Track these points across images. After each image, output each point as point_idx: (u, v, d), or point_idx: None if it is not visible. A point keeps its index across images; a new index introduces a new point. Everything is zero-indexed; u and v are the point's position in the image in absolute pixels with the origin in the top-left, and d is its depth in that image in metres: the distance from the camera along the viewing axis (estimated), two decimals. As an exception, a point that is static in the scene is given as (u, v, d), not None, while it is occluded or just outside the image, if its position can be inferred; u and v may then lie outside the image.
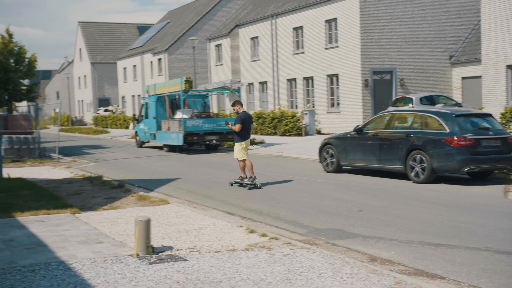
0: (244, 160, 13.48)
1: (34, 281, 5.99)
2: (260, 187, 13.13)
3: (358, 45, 27.72)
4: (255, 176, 13.40)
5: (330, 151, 15.44)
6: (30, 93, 30.59)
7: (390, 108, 22.76)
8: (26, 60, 29.00)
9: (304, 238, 8.14)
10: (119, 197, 12.04)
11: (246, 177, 13.42)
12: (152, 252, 7.25)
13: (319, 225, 9.04)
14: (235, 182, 13.69)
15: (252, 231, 8.42)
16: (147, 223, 7.24)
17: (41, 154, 23.55)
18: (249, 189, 13.07)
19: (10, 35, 28.69)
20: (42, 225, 9.07)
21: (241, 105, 13.96)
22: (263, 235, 8.15)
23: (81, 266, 6.58)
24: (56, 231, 8.62)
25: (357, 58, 27.87)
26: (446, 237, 7.93)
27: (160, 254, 7.22)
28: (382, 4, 28.05)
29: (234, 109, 13.93)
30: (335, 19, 29.46)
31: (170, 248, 7.53)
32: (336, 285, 5.74)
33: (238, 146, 13.54)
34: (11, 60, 28.73)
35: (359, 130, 14.70)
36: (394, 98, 27.70)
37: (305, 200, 11.28)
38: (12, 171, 17.35)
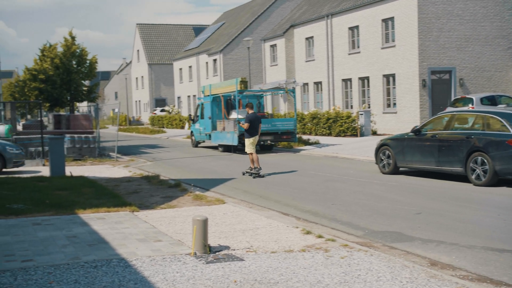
0: (251, 154, 15.71)
1: (97, 276, 6.17)
2: (263, 176, 15.25)
3: (416, 44, 27.15)
4: (260, 167, 15.69)
5: (387, 152, 15.19)
6: (91, 94, 31.57)
7: (449, 109, 22.19)
8: (87, 61, 29.94)
9: (361, 240, 8.03)
10: (176, 196, 12.23)
11: (256, 168, 15.59)
12: (209, 251, 7.32)
13: (376, 227, 8.91)
14: (246, 172, 15.89)
15: (308, 232, 8.38)
16: (205, 223, 7.32)
17: (101, 153, 24.22)
18: (254, 177, 15.26)
19: (73, 38, 29.67)
20: (103, 222, 9.32)
21: (251, 107, 16.41)
22: (320, 236, 8.10)
23: (140, 264, 6.72)
24: (116, 228, 8.84)
25: (415, 58, 27.30)
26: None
27: (217, 253, 7.29)
28: (441, 2, 27.37)
29: (247, 110, 16.35)
30: (392, 18, 28.97)
31: (227, 247, 7.59)
32: (395, 289, 5.64)
33: (247, 141, 15.92)
34: (73, 62, 29.73)
35: (417, 131, 14.39)
36: (453, 98, 26.99)
37: (362, 202, 11.14)
38: (74, 169, 17.91)
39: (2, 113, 23.52)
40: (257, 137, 16.09)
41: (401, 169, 15.19)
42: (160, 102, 69.62)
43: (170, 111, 57.06)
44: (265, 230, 8.69)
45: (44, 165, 19.91)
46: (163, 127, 52.61)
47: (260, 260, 6.87)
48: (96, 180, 15.07)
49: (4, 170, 17.00)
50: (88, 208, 10.41)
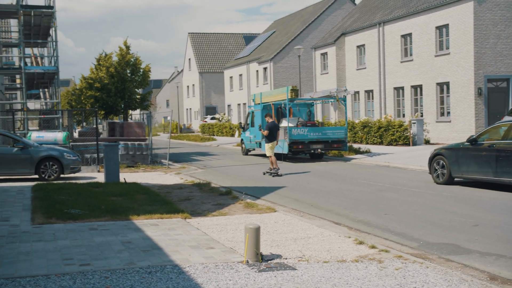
0: (271, 156, 18.57)
1: (152, 282, 6.26)
2: (281, 175, 17.98)
3: (472, 51, 26.51)
4: (278, 167, 18.42)
5: (441, 162, 14.84)
6: (144, 102, 32.24)
7: (506, 118, 21.50)
8: (141, 70, 30.62)
9: (415, 252, 7.87)
10: (227, 204, 12.31)
11: (275, 168, 18.20)
12: (261, 259, 7.33)
13: (431, 239, 8.71)
14: (267, 172, 18.57)
15: (361, 242, 8.27)
16: (257, 231, 7.34)
17: (153, 160, 24.66)
18: (273, 176, 17.98)
19: (128, 47, 30.43)
20: (156, 228, 9.47)
21: (270, 116, 19.34)
22: (373, 247, 7.99)
23: (194, 271, 6.78)
24: (169, 235, 8.96)
25: (470, 66, 26.65)
26: None
27: (269, 262, 7.28)
28: (499, 8, 26.64)
29: (266, 119, 19.20)
30: (446, 25, 28.40)
31: (279, 256, 7.57)
32: (453, 304, 5.49)
33: (267, 146, 18.86)
34: (128, 71, 30.47)
35: (473, 141, 14.02)
36: (510, 107, 26.16)
37: (415, 212, 10.91)
38: (127, 176, 18.29)
39: (61, 120, 24.29)
40: (275, 143, 18.85)
41: (456, 179, 14.82)
42: (210, 110, 70.39)
43: (220, 119, 57.62)
44: (317, 239, 8.63)
45: (99, 171, 20.43)
46: (213, 135, 53.13)
47: (312, 270, 6.82)
48: (149, 186, 15.34)
49: (61, 176, 17.53)
50: (141, 214, 10.60)
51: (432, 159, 15.23)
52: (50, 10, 22.18)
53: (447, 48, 28.47)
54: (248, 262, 7.23)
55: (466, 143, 14.19)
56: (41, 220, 10.04)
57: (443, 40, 28.89)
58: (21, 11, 21.78)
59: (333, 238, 8.71)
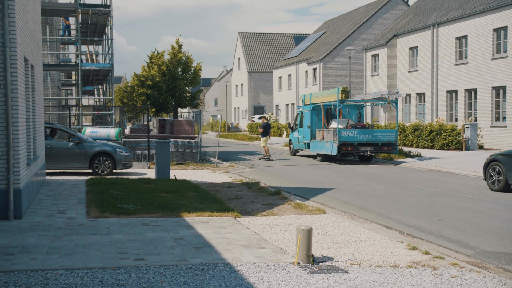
0: (265, 146, 25.79)
1: (205, 280, 6.32)
2: (272, 160, 25.03)
3: (530, 55, 25.63)
4: (270, 154, 25.86)
5: (497, 168, 14.41)
6: (194, 100, 32.57)
7: None
8: (192, 69, 30.94)
9: (471, 260, 7.67)
10: (276, 204, 12.30)
11: (268, 155, 25.26)
12: (312, 261, 7.29)
13: (487, 247, 8.47)
14: (261, 158, 25.65)
15: (414, 248, 8.12)
16: (309, 232, 7.30)
17: (202, 158, 24.90)
18: (266, 160, 25.04)
19: (179, 46, 30.80)
20: (207, 226, 9.55)
21: (266, 118, 27.81)
22: (426, 253, 7.83)
23: (245, 270, 6.80)
24: (220, 233, 9.02)
25: (528, 69, 25.77)
26: None
27: (320, 264, 7.24)
28: (560, 10, 25.67)
29: (262, 120, 27.00)
30: (505, 28, 27.56)
31: (330, 259, 7.52)
32: (513, 315, 5.32)
33: (263, 139, 26.18)
34: (179, 69, 30.84)
35: (532, 147, 13.55)
36: None
37: (470, 219, 10.64)
38: (177, 173, 18.53)
39: (114, 116, 24.84)
40: (268, 137, 26.35)
41: (512, 186, 14.36)
42: (258, 110, 70.56)
43: (268, 118, 57.68)
44: (368, 243, 8.53)
45: (149, 167, 20.77)
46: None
47: (365, 274, 6.74)
48: (199, 184, 15.49)
49: (114, 171, 17.92)
50: (192, 212, 10.71)
51: (488, 165, 14.81)
52: (106, 9, 22.70)
53: (505, 51, 27.62)
54: (299, 263, 7.20)
55: (525, 150, 13.72)
56: (96, 214, 10.28)
57: (501, 42, 28.05)
58: (80, 10, 22.37)
59: (385, 243, 8.58)
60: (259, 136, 32.42)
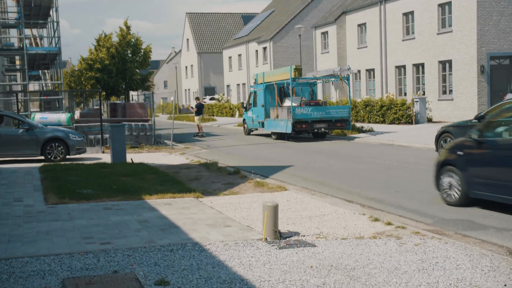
0: (198, 124, 28.90)
1: (175, 260, 6.30)
2: (204, 136, 27.62)
3: (475, 29, 26.41)
4: (203, 132, 28.73)
5: (448, 139, 14.88)
6: (145, 82, 32.08)
7: (509, 96, 21.51)
8: (142, 51, 30.41)
9: (432, 228, 7.92)
10: (237, 183, 12.34)
11: (201, 132, 28.37)
12: (280, 237, 7.37)
13: (445, 215, 8.77)
14: (196, 135, 28.35)
15: (376, 219, 8.32)
16: (275, 209, 7.37)
17: (157, 141, 24.63)
18: (200, 137, 28.04)
19: (128, 28, 30.21)
20: (170, 208, 9.50)
21: (199, 99, 29.85)
22: (389, 223, 8.04)
23: (215, 248, 6.82)
24: (184, 214, 9.00)
25: (473, 43, 26.57)
26: None
27: (288, 239, 7.33)
28: (501, -15, 26.47)
29: (196, 101, 29.28)
30: (449, 3, 28.24)
31: (297, 233, 7.62)
32: (477, 278, 5.54)
33: (197, 117, 29.20)
34: (128, 51, 30.26)
35: (480, 118, 14.03)
36: (513, 84, 26.16)
37: (426, 189, 10.97)
38: (133, 156, 18.27)
39: (63, 101, 24.21)
40: (201, 116, 29.66)
41: (463, 157, 14.84)
42: (209, 91, 70.16)
43: (220, 99, 57.48)
44: (332, 217, 8.68)
45: (103, 152, 20.41)
46: (213, 115, 53.04)
47: (332, 246, 6.87)
48: (156, 167, 15.35)
49: (67, 157, 17.52)
50: (154, 194, 10.62)
51: (439, 136, 15.27)
52: (50, -10, 21.96)
53: (450, 25, 28.35)
54: (267, 239, 7.27)
55: (474, 121, 14.21)
56: (54, 200, 10.06)
57: (446, 17, 28.75)
58: (21, -9, 21.57)
59: (347, 216, 8.75)
60: (193, 116, 32.96)
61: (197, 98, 29.91)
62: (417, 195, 10.49)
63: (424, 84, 30.62)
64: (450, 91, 28.73)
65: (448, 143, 14.82)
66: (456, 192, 9.33)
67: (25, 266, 6.07)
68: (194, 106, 29.55)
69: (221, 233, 7.63)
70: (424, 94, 29.94)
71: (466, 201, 9.21)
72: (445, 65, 28.94)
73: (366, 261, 6.19)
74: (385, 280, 5.53)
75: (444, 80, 29.22)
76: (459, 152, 9.44)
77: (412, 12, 31.33)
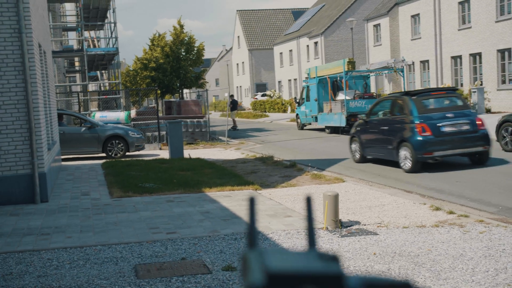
0: (233, 119, 30.47)
1: (239, 248, 6.47)
2: (237, 129, 28.07)
3: (535, 15, 25.50)
4: (237, 125, 28.76)
5: (510, 129, 14.50)
6: (198, 80, 32.57)
7: None
8: (195, 49, 30.87)
9: (496, 217, 7.80)
10: (294, 176, 12.43)
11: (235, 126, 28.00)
12: (340, 226, 7.43)
13: (510, 204, 8.60)
14: (231, 128, 27.97)
15: (437, 209, 8.26)
16: (336, 198, 7.44)
17: (211, 137, 25.02)
18: (233, 130, 28.59)
19: (181, 26, 30.71)
20: (230, 199, 9.70)
21: (233, 96, 26.66)
22: (451, 212, 7.96)
23: (277, 237, 6.96)
24: (244, 205, 9.17)
25: (533, 30, 25.68)
26: None
27: (349, 228, 7.38)
28: None
29: (230, 98, 27.62)
30: (507, -11, 27.38)
31: (357, 223, 7.66)
32: (546, 264, 5.45)
33: (231, 112, 28.21)
34: (182, 50, 30.77)
35: (544, 106, 13.60)
36: None
37: (489, 179, 10.76)
38: (189, 152, 18.64)
39: (122, 100, 24.92)
40: (236, 111, 31.68)
41: (525, 146, 14.45)
42: (260, 87, 70.44)
43: (272, 95, 57.62)
44: (392, 207, 8.66)
45: (160, 148, 20.91)
46: (265, 111, 53.24)
47: (394, 235, 6.88)
48: (213, 161, 15.62)
49: (127, 153, 18.05)
50: (213, 187, 10.86)
51: (500, 126, 14.89)
52: (108, -8, 22.63)
53: (509, 12, 27.47)
54: (328, 228, 7.35)
55: (537, 109, 13.78)
56: (119, 194, 10.44)
57: (504, 4, 27.87)
58: (81, -5, 22.32)
59: (408, 205, 8.71)
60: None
61: (231, 96, 31.49)
62: (479, 185, 10.31)
63: (481, 74, 29.80)
64: (510, 80, 27.85)
65: (510, 132, 14.46)
66: (358, 154, 14.43)
67: (99, 253, 6.37)
68: (230, 103, 31.09)
69: (282, 223, 7.75)
70: (481, 84, 29.15)
71: (364, 159, 14.28)
72: (504, 54, 28.07)
73: (430, 248, 6.18)
74: (450, 266, 5.52)
75: (503, 69, 28.35)
76: (357, 128, 14.69)
77: (468, 1, 30.52)
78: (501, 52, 28.22)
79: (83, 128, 17.64)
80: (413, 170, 12.02)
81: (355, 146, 14.56)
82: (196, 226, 7.69)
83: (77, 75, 38.73)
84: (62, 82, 27.63)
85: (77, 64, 35.35)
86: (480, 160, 12.66)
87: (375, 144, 13.59)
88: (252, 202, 0.74)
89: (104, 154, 17.85)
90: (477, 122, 12.74)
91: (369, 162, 14.07)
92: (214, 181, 11.63)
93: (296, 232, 7.15)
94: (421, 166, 12.11)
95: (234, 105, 31.96)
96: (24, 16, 9.43)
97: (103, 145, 17.66)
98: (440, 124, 12.17)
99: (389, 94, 17.30)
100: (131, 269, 5.72)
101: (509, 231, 6.78)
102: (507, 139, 14.61)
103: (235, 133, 28.98)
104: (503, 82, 28.35)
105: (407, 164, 12.23)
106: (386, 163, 13.66)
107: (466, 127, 12.46)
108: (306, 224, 0.73)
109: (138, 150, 18.67)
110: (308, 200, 0.76)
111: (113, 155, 17.70)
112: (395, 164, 13.76)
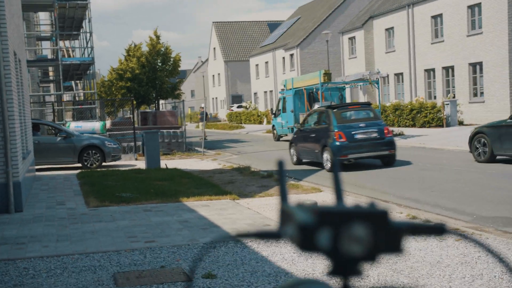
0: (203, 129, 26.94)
1: (219, 256, 6.46)
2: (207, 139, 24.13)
3: (506, 30, 26.13)
4: (206, 135, 24.23)
5: (483, 140, 14.77)
6: (175, 91, 32.51)
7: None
8: (171, 59, 30.83)
9: (471, 225, 7.93)
10: (271, 186, 12.47)
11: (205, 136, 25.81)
12: (319, 234, 7.48)
13: (484, 213, 8.75)
14: (201, 138, 25.01)
15: (414, 217, 8.36)
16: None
17: (188, 148, 24.94)
18: (203, 140, 24.97)
19: (158, 37, 30.68)
20: (208, 209, 9.68)
21: (203, 108, 27.03)
22: (427, 221, 8.06)
23: (256, 245, 6.96)
24: (222, 214, 9.16)
25: (504, 44, 26.28)
26: None
27: (327, 236, 7.43)
28: (532, -15, 26.17)
29: (201, 109, 29.70)
30: (479, 4, 28.00)
31: (336, 231, 7.71)
32: (521, 269, 5.56)
33: (201, 123, 21.89)
34: (158, 60, 30.71)
35: (515, 118, 13.91)
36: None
37: (462, 189, 10.94)
38: (165, 163, 18.56)
39: (97, 110, 24.71)
40: (205, 121, 27.62)
41: (498, 157, 14.73)
42: (236, 99, 70.56)
43: (247, 107, 57.77)
44: (369, 216, 8.73)
45: (136, 159, 20.77)
46: (241, 123, 53.33)
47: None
48: (190, 172, 15.57)
49: (103, 164, 17.88)
50: (191, 196, 10.83)
51: (473, 137, 15.16)
52: (84, 2, 22.51)
53: (480, 27, 28.10)
54: (306, 237, 7.38)
55: (509, 120, 14.09)
56: (95, 204, 10.33)
57: (475, 19, 28.51)
58: (57, 4, 22.14)
59: (385, 214, 8.79)
60: (198, 122, 37.04)
61: (201, 107, 32.48)
62: (454, 194, 10.47)
63: (454, 87, 30.35)
64: (481, 93, 28.43)
65: (482, 143, 14.74)
66: (295, 157, 17.22)
67: (76, 262, 6.29)
68: (199, 114, 33.37)
69: (261, 232, 7.75)
70: (454, 97, 29.68)
71: (300, 162, 17.06)
72: (476, 67, 28.67)
73: (407, 256, 6.25)
74: (428, 272, 5.60)
75: (475, 83, 28.93)
76: (295, 136, 17.60)
77: (440, 15, 31.14)
78: (473, 65, 28.82)
79: (59, 138, 17.44)
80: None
81: (293, 150, 17.46)
82: (175, 235, 7.66)
83: (51, 85, 38.30)
84: (36, 92, 27.28)
85: (51, 74, 34.97)
86: (388, 162, 15.23)
87: (307, 148, 16.31)
88: (280, 164, 0.78)
89: (79, 165, 17.65)
90: (384, 131, 14.99)
91: (348, 170, 14.20)
92: (191, 190, 11.60)
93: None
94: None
95: (202, 116, 33.22)
96: (0, 23, 9.33)
97: (79, 155, 17.47)
98: (354, 132, 14.78)
99: (318, 107, 19.66)
100: (110, 277, 5.66)
101: (484, 239, 6.90)
102: (480, 150, 14.88)
103: (211, 144, 28.95)
104: (475, 95, 28.92)
105: (328, 164, 14.89)
106: (366, 172, 13.77)
107: (375, 135, 14.86)
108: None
109: (115, 161, 18.52)
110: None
111: (89, 166, 17.52)
112: (371, 174, 13.93)
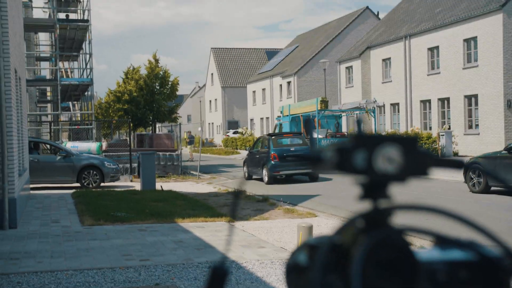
0: (190, 152, 29.16)
1: (214, 275, 6.44)
2: (193, 161, 24.16)
3: (501, 63, 26.47)
4: (193, 158, 26.23)
5: (477, 171, 14.86)
6: (172, 114, 32.63)
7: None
8: (170, 83, 31.03)
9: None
10: (267, 210, 12.48)
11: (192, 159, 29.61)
12: (314, 257, 7.47)
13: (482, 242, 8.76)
14: (188, 160, 25.24)
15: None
16: (310, 229, 7.49)
17: (183, 171, 24.94)
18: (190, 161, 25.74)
19: (157, 61, 30.91)
20: (203, 230, 9.67)
21: (190, 132, 33.33)
22: (428, 228, 8.08)
23: (251, 266, 6.95)
24: (217, 235, 9.16)
25: (499, 78, 26.60)
26: None
27: (322, 259, 7.42)
28: (527, 20, 26.63)
29: (188, 133, 34.60)
30: (474, 38, 28.42)
31: (331, 255, 7.70)
32: None
33: (189, 146, 27.96)
34: (156, 84, 30.90)
35: (510, 150, 14.03)
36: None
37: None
38: (161, 185, 18.53)
39: (94, 131, 24.75)
40: (193, 145, 34.68)
41: (492, 188, 14.80)
42: (232, 124, 70.75)
43: (243, 133, 57.91)
44: (364, 241, 8.74)
45: (131, 180, 20.73)
46: (237, 149, 53.40)
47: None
48: (186, 194, 15.57)
49: (101, 184, 17.82)
50: (186, 218, 10.83)
51: (468, 168, 15.25)
52: (85, 24, 22.73)
53: (476, 60, 28.46)
54: (301, 259, 7.37)
55: (504, 152, 14.20)
56: (90, 222, 10.31)
57: (471, 52, 28.89)
58: (58, 25, 22.35)
59: (380, 240, 8.80)
60: (187, 145, 39.28)
61: (189, 132, 35.91)
62: (449, 223, 10.47)
63: (449, 119, 30.59)
64: (477, 125, 28.65)
65: (476, 174, 14.83)
66: (247, 175, 21.06)
67: (70, 278, 6.27)
68: (187, 138, 35.59)
69: (256, 253, 7.76)
70: (449, 128, 29.90)
71: (250, 177, 20.80)
72: (471, 100, 28.94)
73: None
74: None
75: (470, 115, 29.18)
76: (246, 157, 21.51)
77: (437, 47, 31.55)
78: (468, 98, 29.10)
79: (58, 157, 17.41)
80: (269, 182, 19.00)
81: (245, 168, 21.57)
82: (170, 254, 7.64)
83: (48, 105, 38.39)
84: (33, 111, 27.34)
85: (49, 94, 35.09)
86: (313, 178, 19.08)
87: (253, 167, 20.36)
88: (308, 121, 0.84)
89: (77, 184, 17.58)
90: None
91: (341, 199, 14.18)
92: (187, 212, 11.60)
93: (270, 262, 7.16)
94: (273, 180, 19.17)
95: (192, 140, 35.59)
96: (3, 40, 9.43)
97: (77, 174, 17.42)
98: (285, 154, 18.62)
99: (266, 134, 22.94)
100: (104, 293, 5.64)
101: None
102: (475, 181, 14.95)
103: (206, 168, 28.94)
104: (470, 127, 29.14)
105: (266, 179, 19.13)
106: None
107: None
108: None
109: (113, 181, 18.49)
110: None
111: (87, 185, 17.46)
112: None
